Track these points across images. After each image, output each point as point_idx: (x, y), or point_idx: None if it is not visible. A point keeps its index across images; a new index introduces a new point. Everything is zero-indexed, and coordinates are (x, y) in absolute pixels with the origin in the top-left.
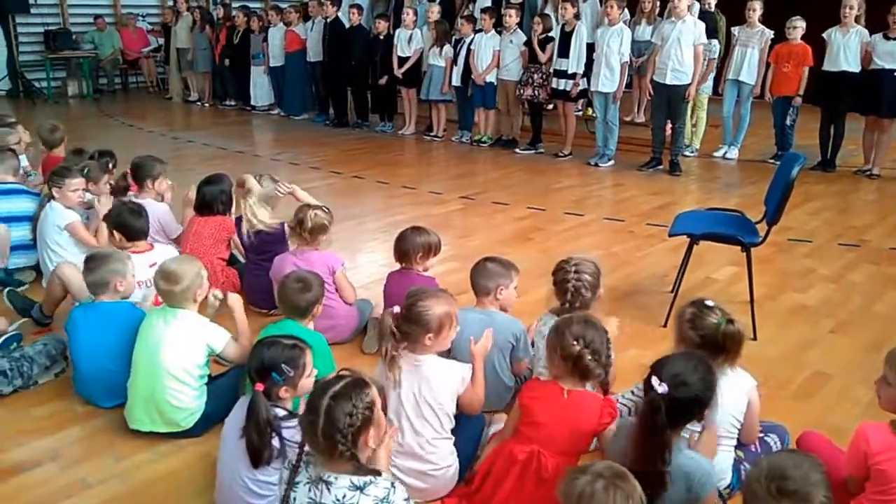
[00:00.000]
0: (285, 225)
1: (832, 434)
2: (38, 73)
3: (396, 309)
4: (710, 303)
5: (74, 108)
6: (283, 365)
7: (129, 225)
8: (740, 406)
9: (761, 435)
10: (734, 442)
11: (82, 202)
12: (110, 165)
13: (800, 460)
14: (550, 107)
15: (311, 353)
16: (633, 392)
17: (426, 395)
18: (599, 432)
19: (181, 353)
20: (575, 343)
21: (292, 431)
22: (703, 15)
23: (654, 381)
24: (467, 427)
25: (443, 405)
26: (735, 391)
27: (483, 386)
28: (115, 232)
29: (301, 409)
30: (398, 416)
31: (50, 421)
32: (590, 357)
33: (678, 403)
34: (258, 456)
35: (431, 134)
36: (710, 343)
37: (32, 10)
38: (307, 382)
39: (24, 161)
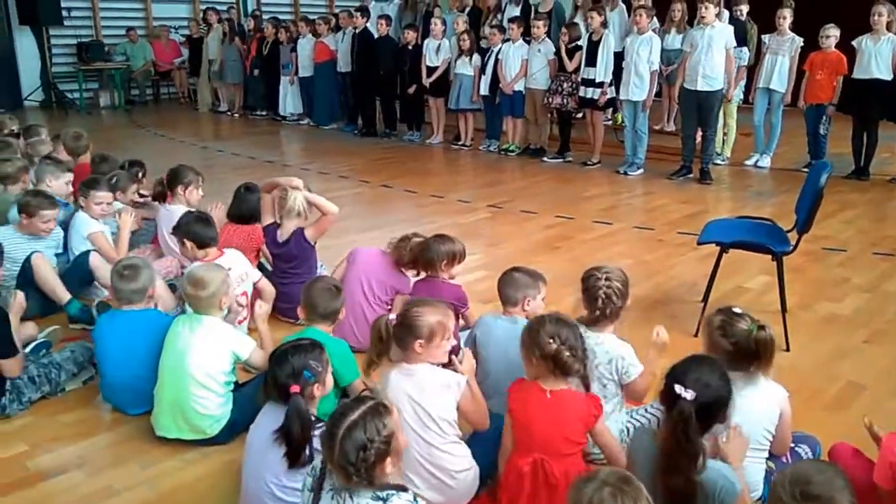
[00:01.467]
0: (304, 231)
1: (865, 446)
2: (70, 84)
3: (392, 316)
4: (738, 310)
5: (106, 118)
6: (311, 362)
7: (198, 233)
8: (772, 417)
9: (792, 446)
10: (766, 453)
11: (106, 214)
12: (139, 175)
13: (823, 467)
14: (579, 115)
15: (333, 359)
16: (652, 405)
17: (423, 404)
18: (590, 427)
19: (207, 360)
20: (551, 341)
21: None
22: (734, 23)
23: (679, 388)
24: (481, 433)
25: (441, 412)
26: (767, 401)
27: (483, 401)
28: (185, 241)
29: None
30: (402, 428)
31: (77, 428)
32: (567, 353)
33: (705, 407)
34: (297, 455)
35: (459, 143)
36: (742, 350)
37: (66, 23)
38: (330, 379)
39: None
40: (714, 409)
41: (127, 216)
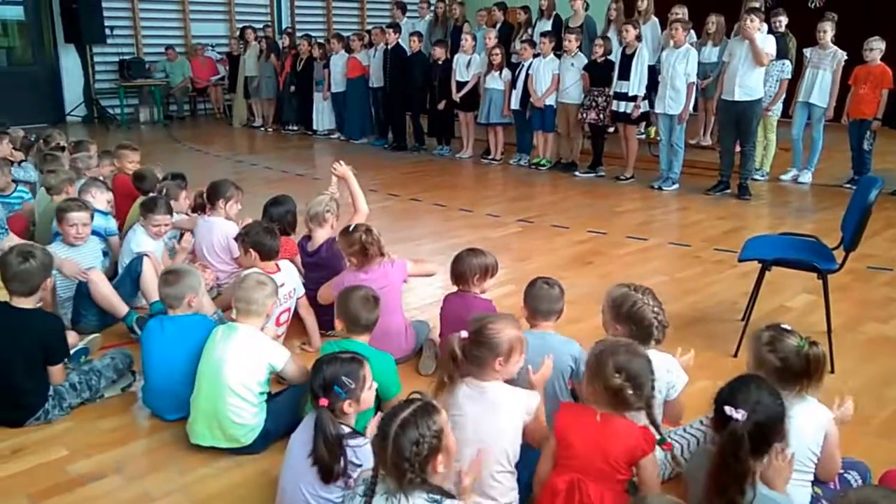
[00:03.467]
0: (335, 240)
1: None
2: (112, 101)
3: (463, 334)
4: (786, 326)
5: (145, 133)
6: (343, 378)
7: (264, 244)
8: (818, 438)
9: (841, 472)
10: (811, 476)
11: (163, 235)
12: (184, 186)
13: (889, 493)
14: (611, 130)
15: (376, 373)
16: (696, 424)
17: (491, 425)
18: (637, 460)
19: (243, 370)
20: (617, 376)
21: (356, 451)
22: (773, 36)
23: (730, 410)
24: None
25: (509, 435)
26: (813, 422)
27: (545, 417)
28: (250, 250)
29: (368, 429)
30: (459, 447)
31: (115, 434)
32: (631, 392)
33: (761, 427)
34: (329, 472)
35: (489, 157)
36: (790, 367)
37: (109, 41)
38: (369, 395)
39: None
40: (768, 427)
41: (186, 244)
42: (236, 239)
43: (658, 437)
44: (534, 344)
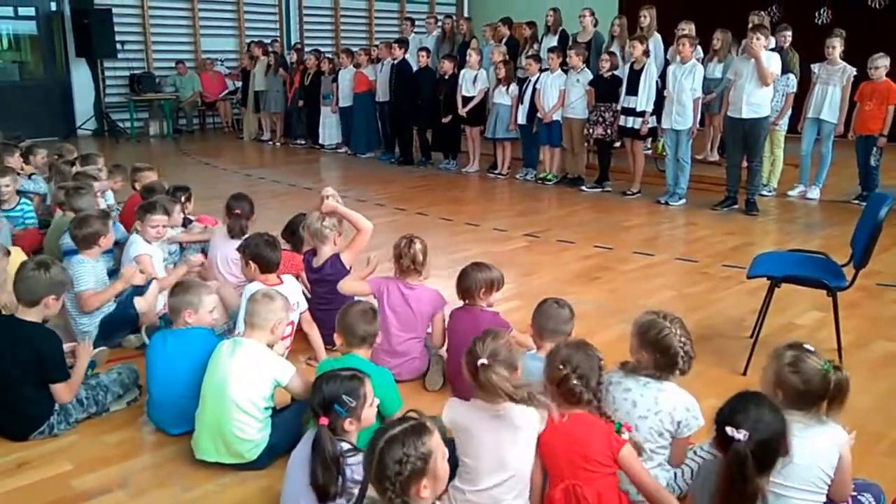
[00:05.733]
0: (340, 255)
1: None
2: (122, 114)
3: (483, 360)
4: (809, 346)
5: (155, 146)
6: (344, 396)
7: (265, 256)
8: (832, 460)
9: (854, 494)
10: (823, 498)
11: (161, 237)
12: (183, 199)
13: None
14: (618, 144)
15: (376, 389)
16: (702, 448)
17: (511, 449)
18: (615, 452)
19: (248, 385)
20: (561, 367)
21: (356, 468)
22: (776, 52)
23: (731, 430)
24: None
25: (523, 457)
26: (829, 442)
27: None
28: (250, 262)
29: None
30: (475, 474)
31: (120, 448)
32: (576, 381)
33: (764, 445)
34: (325, 492)
35: (496, 171)
36: (814, 390)
37: (119, 56)
38: (370, 412)
39: (109, 198)
40: (772, 444)
41: (194, 260)
42: (238, 249)
43: (616, 425)
44: (538, 368)
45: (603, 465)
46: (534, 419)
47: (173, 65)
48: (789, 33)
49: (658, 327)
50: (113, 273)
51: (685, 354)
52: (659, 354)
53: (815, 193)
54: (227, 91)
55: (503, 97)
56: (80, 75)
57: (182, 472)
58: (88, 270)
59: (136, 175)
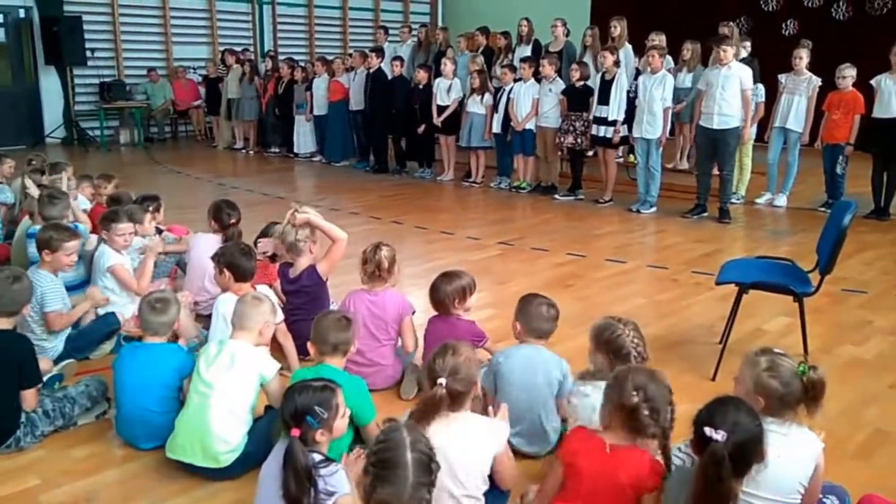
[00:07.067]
0: (316, 266)
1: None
2: (91, 122)
3: (442, 381)
4: (778, 349)
5: (125, 155)
6: (315, 407)
7: (239, 265)
8: (808, 470)
9: (820, 497)
10: None
11: (128, 245)
12: (150, 208)
13: None
14: (591, 153)
15: (349, 398)
16: (679, 449)
17: (458, 453)
18: (644, 493)
19: (234, 383)
20: (635, 394)
21: (327, 479)
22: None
23: (709, 431)
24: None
25: (477, 463)
26: (806, 454)
27: (513, 457)
28: (224, 271)
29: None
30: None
31: (88, 462)
32: (647, 412)
33: (741, 447)
34: (298, 503)
35: (470, 180)
36: (794, 392)
37: (89, 63)
38: (342, 423)
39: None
40: (748, 448)
41: (156, 244)
42: (212, 258)
43: (667, 471)
44: (524, 358)
45: (625, 500)
46: (491, 432)
47: (145, 72)
48: (748, 43)
49: (611, 329)
50: (83, 284)
51: (638, 355)
52: (613, 355)
53: (782, 201)
54: (200, 99)
55: (477, 106)
56: (50, 83)
57: (152, 487)
58: (53, 289)
59: (98, 182)
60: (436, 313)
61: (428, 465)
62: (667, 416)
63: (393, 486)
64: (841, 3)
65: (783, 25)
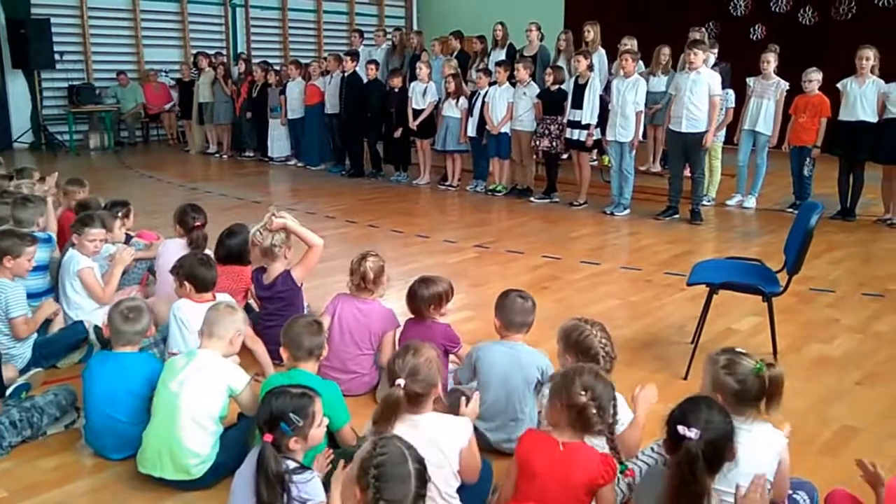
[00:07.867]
0: (291, 272)
1: (862, 492)
2: (60, 126)
3: (400, 382)
4: (740, 349)
5: (95, 159)
6: (291, 414)
7: (200, 276)
8: (773, 465)
9: (790, 493)
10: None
11: (99, 251)
12: (120, 214)
13: None
14: (565, 156)
15: (323, 402)
16: (652, 449)
17: (431, 456)
18: (597, 488)
19: (202, 394)
20: (582, 393)
21: (300, 486)
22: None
23: (682, 429)
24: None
25: (448, 460)
26: (771, 449)
27: (477, 451)
28: (185, 283)
29: (315, 463)
30: None
31: (57, 473)
32: (594, 411)
33: (713, 445)
34: None
35: (446, 183)
36: (749, 389)
37: (58, 66)
38: (318, 432)
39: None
40: (720, 445)
41: (125, 254)
42: (171, 271)
43: (620, 465)
44: (503, 354)
45: (578, 498)
46: (457, 430)
47: (114, 76)
48: (716, 50)
49: (579, 330)
50: (48, 292)
51: (606, 355)
52: (581, 355)
53: (751, 202)
54: (172, 103)
55: (453, 110)
56: (17, 86)
57: (123, 498)
58: (16, 295)
59: (65, 189)
60: (411, 316)
61: (424, 475)
62: (612, 415)
63: (398, 499)
64: (807, 9)
65: (751, 30)
